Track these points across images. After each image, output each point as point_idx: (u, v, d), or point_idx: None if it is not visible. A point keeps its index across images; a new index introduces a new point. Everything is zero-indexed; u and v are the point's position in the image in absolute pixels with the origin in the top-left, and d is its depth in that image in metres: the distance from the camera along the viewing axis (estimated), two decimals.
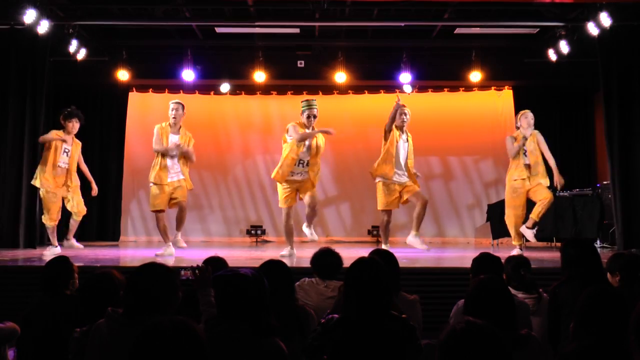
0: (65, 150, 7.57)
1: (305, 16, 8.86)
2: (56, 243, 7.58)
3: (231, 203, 11.10)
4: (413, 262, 6.65)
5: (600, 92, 8.60)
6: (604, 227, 9.09)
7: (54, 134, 7.60)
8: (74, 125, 7.69)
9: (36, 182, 7.53)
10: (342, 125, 11.12)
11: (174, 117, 7.28)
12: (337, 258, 4.08)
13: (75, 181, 7.67)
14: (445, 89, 11.05)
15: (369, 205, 10.99)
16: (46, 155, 7.49)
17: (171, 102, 7.44)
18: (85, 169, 7.93)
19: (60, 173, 7.52)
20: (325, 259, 4.07)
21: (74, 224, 7.73)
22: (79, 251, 7.57)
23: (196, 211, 10.79)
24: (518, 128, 7.36)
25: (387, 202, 7.40)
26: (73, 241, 7.70)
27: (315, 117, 7.18)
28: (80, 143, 7.86)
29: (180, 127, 7.37)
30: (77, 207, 7.65)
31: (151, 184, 7.26)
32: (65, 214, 7.75)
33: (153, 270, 2.58)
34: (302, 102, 7.35)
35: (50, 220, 7.50)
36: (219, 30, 9.80)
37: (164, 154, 7.18)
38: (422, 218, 7.31)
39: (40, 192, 7.65)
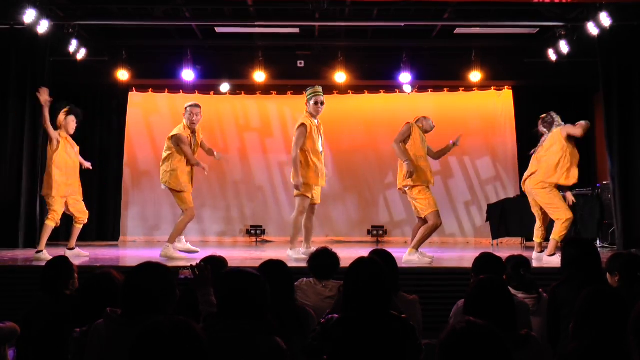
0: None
1: (305, 16, 8.86)
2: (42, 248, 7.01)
3: (231, 203, 11.10)
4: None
5: (600, 92, 8.60)
6: (603, 227, 9.10)
7: (57, 135, 7.05)
8: (72, 125, 7.22)
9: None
10: (342, 125, 11.14)
11: (193, 123, 6.96)
12: (332, 258, 4.07)
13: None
14: (445, 89, 11.06)
15: (368, 206, 11.02)
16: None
17: (192, 105, 7.00)
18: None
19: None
20: (321, 260, 4.07)
21: (75, 231, 7.35)
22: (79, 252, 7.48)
23: (196, 211, 10.77)
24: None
25: (435, 202, 6.57)
26: (77, 250, 7.30)
27: (323, 103, 6.79)
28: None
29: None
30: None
31: (179, 192, 6.91)
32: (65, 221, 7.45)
33: (150, 269, 2.59)
34: (307, 90, 6.89)
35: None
36: (218, 30, 9.80)
37: (189, 162, 6.92)
38: (426, 239, 6.64)
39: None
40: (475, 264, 3.80)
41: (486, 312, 2.44)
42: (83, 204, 7.39)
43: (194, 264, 3.11)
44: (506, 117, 11.07)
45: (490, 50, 10.21)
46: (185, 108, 7.07)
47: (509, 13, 8.86)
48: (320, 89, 6.92)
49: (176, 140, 6.89)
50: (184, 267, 3.25)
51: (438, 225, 6.46)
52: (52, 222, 7.01)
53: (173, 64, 10.08)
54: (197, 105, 7.06)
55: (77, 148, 7.36)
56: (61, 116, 7.19)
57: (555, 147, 6.66)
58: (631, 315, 2.10)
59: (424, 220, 6.54)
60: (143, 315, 2.38)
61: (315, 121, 6.81)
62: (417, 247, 6.50)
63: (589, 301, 2.42)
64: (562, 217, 6.51)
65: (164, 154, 7.03)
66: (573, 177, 6.60)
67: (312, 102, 6.76)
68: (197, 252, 6.94)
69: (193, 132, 7.05)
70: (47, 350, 3.18)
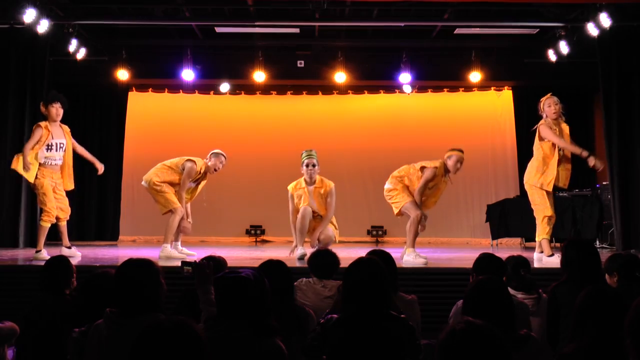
0: (60, 145, 6.88)
1: (305, 16, 8.86)
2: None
3: (231, 202, 11.08)
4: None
5: (600, 93, 8.60)
6: (603, 228, 9.10)
7: (38, 134, 6.71)
8: (58, 111, 6.84)
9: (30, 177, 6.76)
10: (342, 125, 11.15)
11: (215, 170, 7.23)
12: (333, 258, 4.08)
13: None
14: (445, 89, 11.06)
15: (368, 206, 11.01)
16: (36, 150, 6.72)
17: (222, 155, 7.22)
18: (82, 151, 7.21)
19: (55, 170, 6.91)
20: (322, 259, 4.07)
21: (63, 228, 7.09)
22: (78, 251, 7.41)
23: (196, 211, 10.77)
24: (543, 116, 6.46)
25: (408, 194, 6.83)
26: (74, 249, 7.10)
27: (314, 165, 6.99)
28: (68, 128, 7.02)
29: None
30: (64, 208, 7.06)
31: (159, 192, 7.01)
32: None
33: (132, 264, 2.64)
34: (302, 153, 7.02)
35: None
36: (218, 30, 9.80)
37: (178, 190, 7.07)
38: (416, 234, 6.71)
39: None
40: (476, 265, 3.80)
41: (485, 312, 2.44)
42: (67, 199, 7.11)
43: (196, 260, 3.12)
44: (506, 117, 11.07)
45: (490, 51, 10.22)
46: (217, 154, 7.23)
47: (509, 13, 8.86)
48: (312, 152, 7.07)
49: (186, 170, 7.01)
50: (187, 263, 3.25)
51: (419, 215, 6.54)
52: (46, 223, 6.88)
53: (173, 64, 10.08)
54: (225, 158, 7.27)
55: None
56: (41, 108, 6.92)
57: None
58: (627, 317, 2.10)
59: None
60: (143, 316, 2.39)
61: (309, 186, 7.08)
62: (412, 246, 6.58)
63: (588, 301, 2.42)
64: (539, 215, 6.34)
65: (168, 163, 7.13)
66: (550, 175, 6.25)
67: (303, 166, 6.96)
68: (193, 255, 6.97)
69: (204, 174, 7.24)
70: (46, 350, 3.18)
